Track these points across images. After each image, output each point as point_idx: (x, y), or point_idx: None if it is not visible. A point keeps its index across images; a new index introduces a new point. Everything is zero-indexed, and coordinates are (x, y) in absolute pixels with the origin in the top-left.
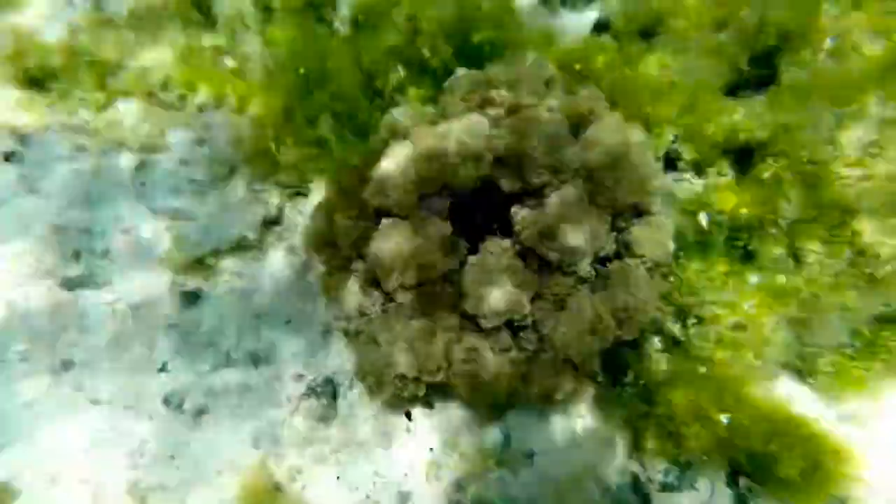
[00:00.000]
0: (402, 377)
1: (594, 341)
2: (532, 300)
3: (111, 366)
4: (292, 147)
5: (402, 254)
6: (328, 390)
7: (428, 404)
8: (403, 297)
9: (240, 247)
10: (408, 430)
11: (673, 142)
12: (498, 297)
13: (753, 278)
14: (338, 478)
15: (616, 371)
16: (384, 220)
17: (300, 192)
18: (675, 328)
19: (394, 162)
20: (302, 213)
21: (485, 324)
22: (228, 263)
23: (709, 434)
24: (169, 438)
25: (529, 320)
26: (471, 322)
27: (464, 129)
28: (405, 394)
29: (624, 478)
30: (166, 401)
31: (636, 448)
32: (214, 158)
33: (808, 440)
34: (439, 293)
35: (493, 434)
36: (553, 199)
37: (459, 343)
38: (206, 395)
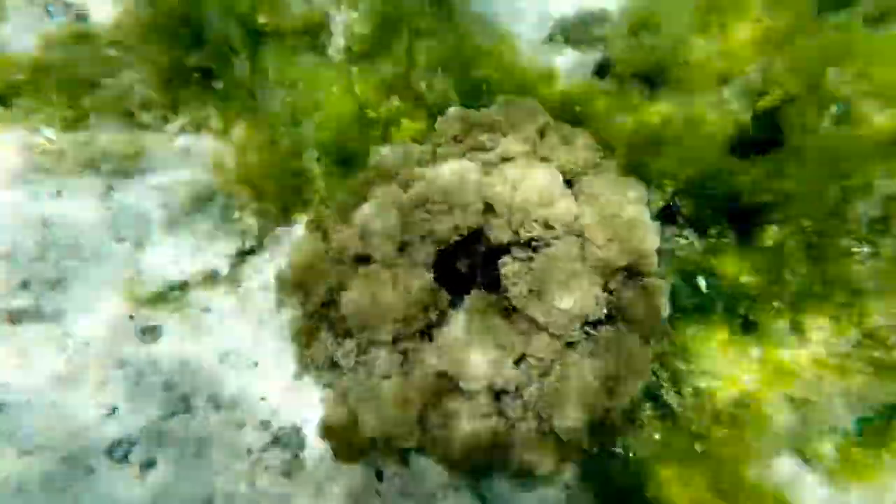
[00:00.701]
0: (371, 441)
1: (581, 412)
2: (516, 363)
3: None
4: (275, 177)
5: (379, 306)
6: (295, 441)
7: (402, 462)
8: (377, 353)
9: (210, 280)
10: (377, 492)
11: (673, 195)
12: (480, 360)
13: (755, 351)
14: None
15: (604, 439)
16: (362, 269)
17: (284, 225)
18: (671, 396)
19: (377, 206)
20: (284, 247)
21: (465, 386)
22: (196, 297)
23: None
24: (108, 495)
25: (512, 385)
26: (448, 381)
27: (453, 176)
28: (373, 458)
29: None
30: (110, 451)
31: None
32: (190, 185)
33: None
34: (416, 350)
35: (469, 500)
36: (543, 255)
37: (435, 408)
38: (158, 444)
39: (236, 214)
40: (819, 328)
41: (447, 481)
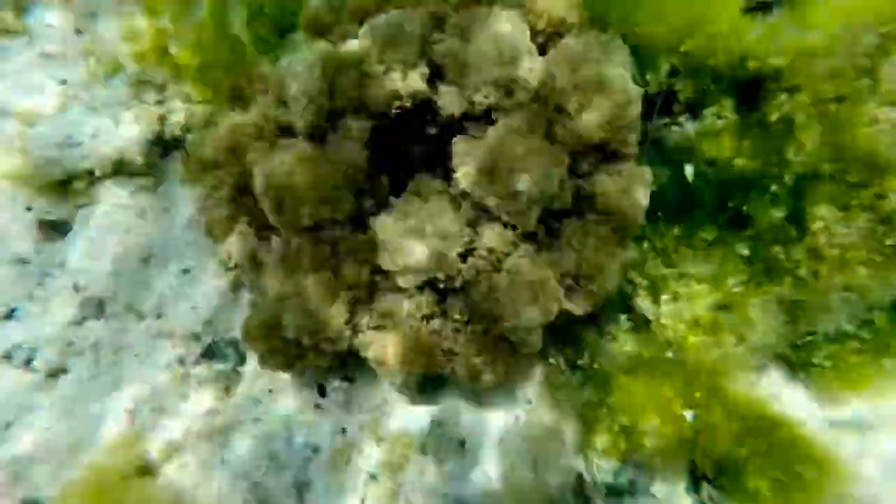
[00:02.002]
0: (295, 344)
1: (536, 313)
2: (463, 257)
3: None
4: (198, 49)
5: (298, 183)
6: (231, 354)
7: (346, 378)
8: (296, 242)
9: (122, 171)
10: (317, 406)
11: (670, 76)
12: (420, 250)
13: (744, 249)
14: (223, 461)
15: (572, 351)
16: (281, 141)
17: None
18: (646, 305)
19: (298, 64)
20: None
21: (403, 283)
22: (108, 191)
23: (670, 431)
24: (7, 402)
25: (459, 282)
26: (386, 279)
27: (392, 28)
28: (302, 364)
29: (567, 477)
30: (7, 356)
31: (585, 444)
32: (96, 50)
33: (788, 446)
34: (346, 240)
35: (419, 417)
36: (497, 129)
37: (368, 305)
38: (67, 353)
39: (152, 97)
40: (821, 217)
41: (395, 396)
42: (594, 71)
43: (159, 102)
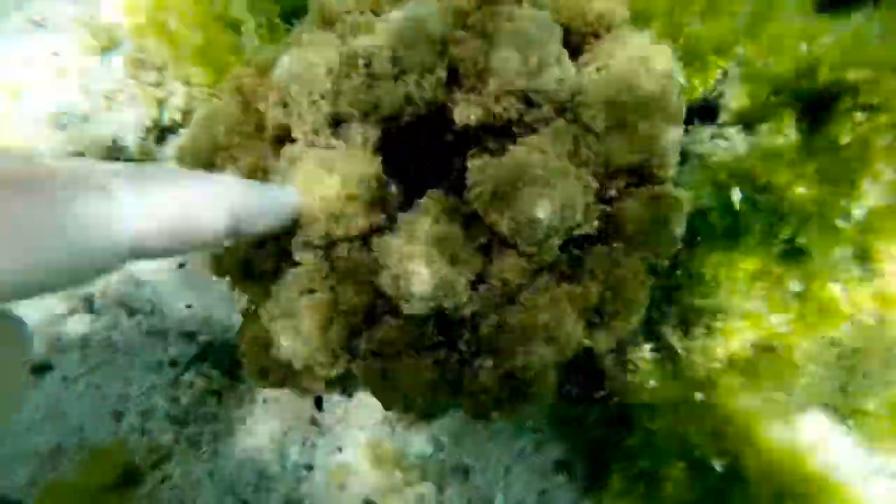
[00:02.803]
0: (288, 364)
1: (550, 352)
2: (474, 286)
3: None
4: (200, 29)
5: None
6: (226, 358)
7: (345, 392)
8: (303, 257)
9: (115, 157)
10: (313, 422)
11: (719, 81)
12: (425, 276)
13: (796, 285)
14: (211, 474)
15: (588, 380)
16: (284, 148)
17: (216, 96)
18: (675, 337)
19: (299, 61)
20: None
21: (406, 310)
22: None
23: (695, 481)
24: None
25: (467, 312)
26: (388, 303)
27: (411, 26)
28: (294, 385)
29: None
30: None
31: (594, 484)
32: (91, 21)
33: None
34: (351, 259)
35: (419, 440)
36: (518, 147)
37: (368, 331)
38: (52, 347)
39: (151, 77)
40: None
41: (397, 415)
42: (630, 84)
43: (158, 84)
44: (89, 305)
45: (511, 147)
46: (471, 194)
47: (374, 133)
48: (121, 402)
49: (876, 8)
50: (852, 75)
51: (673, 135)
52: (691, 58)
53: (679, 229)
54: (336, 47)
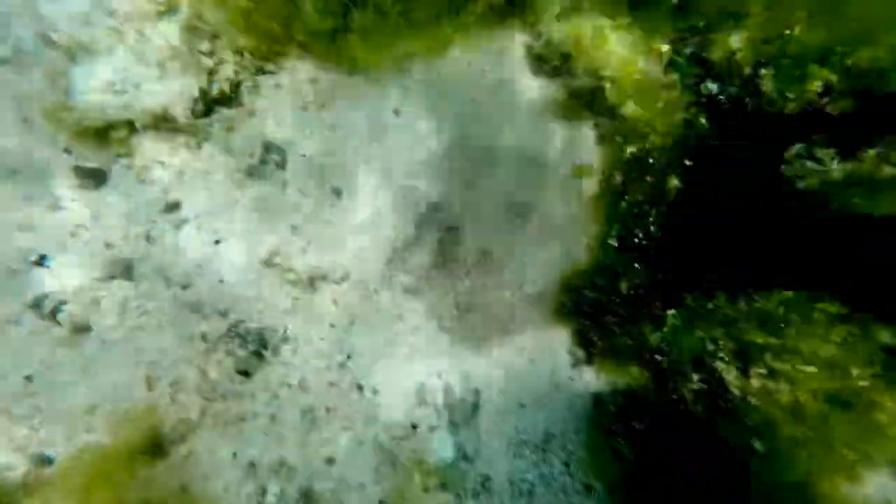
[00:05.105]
0: None
1: None
2: None
3: None
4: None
5: None
6: (256, 341)
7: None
8: None
9: (163, 126)
10: (326, 409)
11: (820, 95)
12: None
13: (886, 336)
14: (234, 455)
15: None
16: None
17: (265, 70)
18: (730, 373)
19: None
20: (265, 98)
21: None
22: (148, 145)
23: None
24: (30, 354)
25: None
26: None
27: None
28: None
29: None
30: (36, 304)
31: None
32: None
33: None
34: None
35: (445, 444)
36: None
37: None
38: (92, 310)
39: (204, 45)
40: None
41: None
42: None
43: (210, 53)
44: (128, 272)
45: None
46: None
47: None
48: (153, 368)
49: None
50: None
51: None
52: (789, 65)
53: None
54: None
